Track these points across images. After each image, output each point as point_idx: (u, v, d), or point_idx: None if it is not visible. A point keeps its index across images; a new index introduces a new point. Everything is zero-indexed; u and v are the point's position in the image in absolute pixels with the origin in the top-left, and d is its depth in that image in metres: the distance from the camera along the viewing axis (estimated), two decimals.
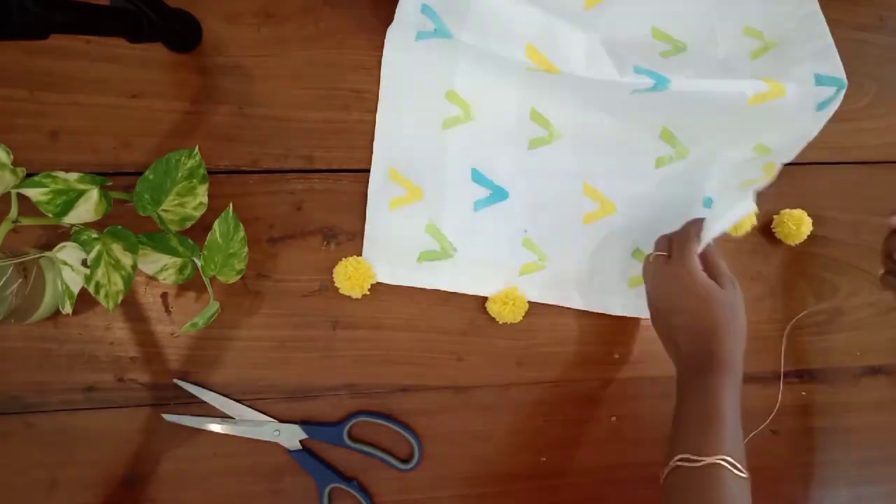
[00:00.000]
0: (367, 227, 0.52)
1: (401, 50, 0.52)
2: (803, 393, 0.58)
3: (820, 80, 0.55)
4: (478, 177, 0.53)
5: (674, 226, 0.52)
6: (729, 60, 0.56)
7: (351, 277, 0.50)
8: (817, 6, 0.57)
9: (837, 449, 0.58)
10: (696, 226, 0.47)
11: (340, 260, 0.51)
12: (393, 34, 0.53)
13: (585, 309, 0.55)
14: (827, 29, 0.57)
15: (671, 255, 0.46)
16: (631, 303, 0.55)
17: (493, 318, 0.53)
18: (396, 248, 0.52)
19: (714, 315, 0.43)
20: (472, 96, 0.53)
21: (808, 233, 0.57)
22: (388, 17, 0.53)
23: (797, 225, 0.56)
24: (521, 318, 0.53)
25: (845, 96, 0.58)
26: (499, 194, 0.54)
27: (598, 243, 0.55)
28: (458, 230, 0.53)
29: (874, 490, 0.58)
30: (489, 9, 0.50)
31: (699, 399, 0.42)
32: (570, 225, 0.54)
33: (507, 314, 0.52)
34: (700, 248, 0.46)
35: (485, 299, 0.53)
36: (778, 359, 0.58)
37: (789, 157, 0.51)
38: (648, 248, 0.52)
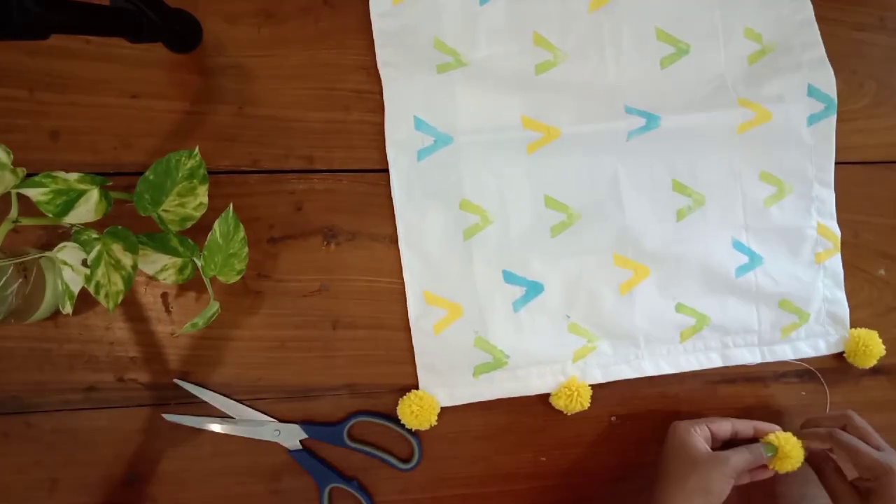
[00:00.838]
0: (417, 357, 0.52)
1: (405, 173, 0.52)
2: (803, 393, 0.58)
3: (812, 92, 0.56)
4: (510, 277, 0.53)
5: (707, 271, 0.54)
6: (728, 63, 0.56)
7: (417, 414, 0.50)
8: (811, 14, 0.57)
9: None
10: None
11: (402, 397, 0.51)
12: (394, 159, 0.52)
13: (641, 376, 0.55)
14: (820, 40, 0.57)
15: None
16: (683, 359, 0.55)
17: None
18: (451, 369, 0.52)
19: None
20: (485, 200, 0.53)
21: None
22: None
23: None
24: (589, 403, 0.52)
25: (845, 96, 0.58)
26: (534, 289, 0.53)
27: (640, 309, 0.54)
28: (506, 336, 0.53)
29: None
30: (474, 99, 0.52)
31: None
32: (610, 298, 0.54)
33: (575, 405, 0.52)
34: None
35: None
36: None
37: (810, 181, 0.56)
38: (688, 301, 0.55)
